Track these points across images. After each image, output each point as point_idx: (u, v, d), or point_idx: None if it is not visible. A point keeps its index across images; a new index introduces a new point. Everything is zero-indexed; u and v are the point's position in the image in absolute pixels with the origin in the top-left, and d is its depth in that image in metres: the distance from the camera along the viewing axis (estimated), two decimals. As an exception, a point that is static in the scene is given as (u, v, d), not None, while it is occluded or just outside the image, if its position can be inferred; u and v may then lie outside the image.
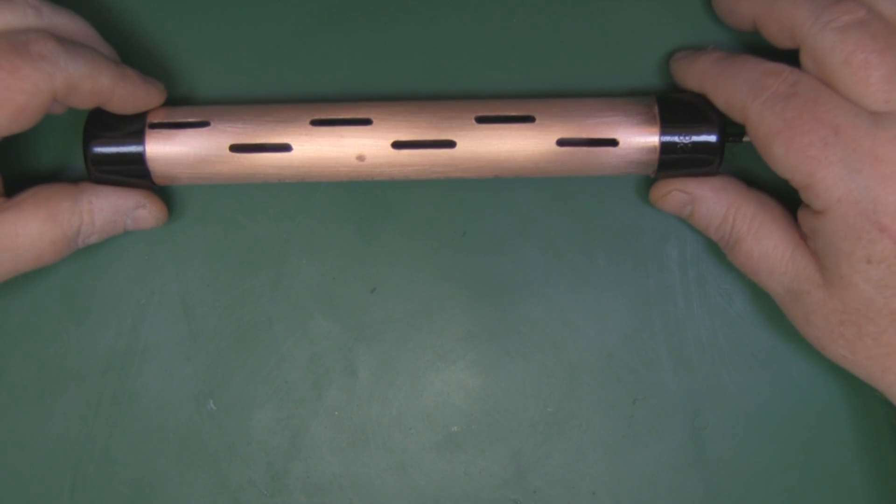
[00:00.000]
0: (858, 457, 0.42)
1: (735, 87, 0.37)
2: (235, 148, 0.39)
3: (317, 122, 0.39)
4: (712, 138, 0.38)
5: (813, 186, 0.35)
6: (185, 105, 0.40)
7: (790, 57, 0.37)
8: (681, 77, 0.40)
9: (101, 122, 0.39)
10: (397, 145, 0.39)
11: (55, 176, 0.42)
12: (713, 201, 0.39)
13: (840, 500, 0.42)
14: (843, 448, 0.42)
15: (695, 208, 0.40)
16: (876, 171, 0.35)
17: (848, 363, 0.38)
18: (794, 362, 0.42)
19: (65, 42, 0.36)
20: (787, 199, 0.39)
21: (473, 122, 0.39)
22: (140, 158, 0.39)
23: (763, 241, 0.38)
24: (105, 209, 0.39)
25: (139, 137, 0.39)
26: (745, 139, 0.39)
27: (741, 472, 0.42)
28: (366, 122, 0.39)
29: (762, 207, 0.39)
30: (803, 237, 0.38)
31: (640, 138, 0.39)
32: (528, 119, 0.39)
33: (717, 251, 0.41)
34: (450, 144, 0.39)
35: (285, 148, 0.39)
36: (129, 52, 0.41)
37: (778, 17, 0.37)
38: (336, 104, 0.39)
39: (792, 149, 0.35)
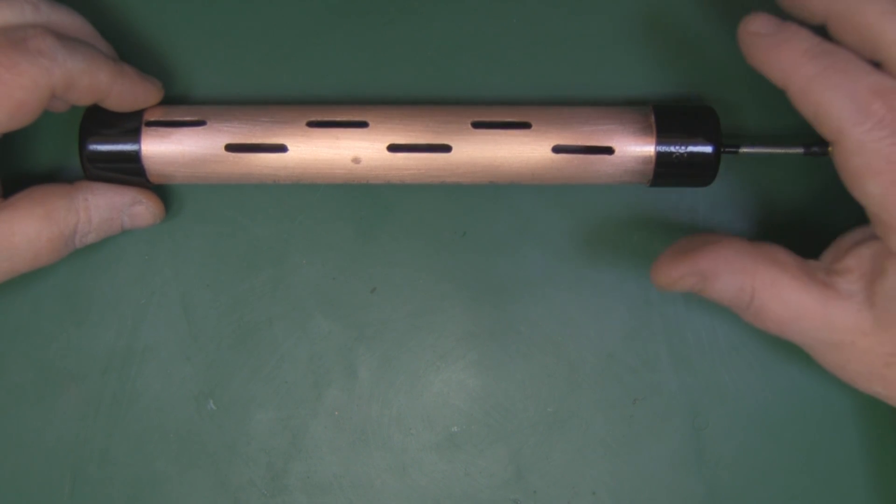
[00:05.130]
0: (859, 456, 0.42)
1: (833, 101, 0.32)
2: (231, 147, 0.39)
3: (313, 124, 0.39)
4: (708, 149, 0.38)
5: None
6: (182, 104, 0.40)
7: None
8: (758, 60, 0.34)
9: (98, 120, 0.39)
10: (393, 148, 0.38)
11: (52, 176, 0.42)
12: (727, 274, 0.36)
13: (840, 499, 0.42)
14: (844, 448, 0.42)
15: (706, 285, 0.36)
16: None
17: (880, 396, 0.36)
18: (795, 362, 0.42)
19: (63, 38, 0.36)
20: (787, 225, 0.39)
21: (470, 127, 0.38)
22: (135, 156, 0.39)
23: (790, 303, 0.35)
24: (101, 206, 0.39)
25: (135, 135, 0.39)
26: (742, 150, 0.38)
27: (741, 472, 0.42)
28: (362, 124, 0.39)
29: (778, 267, 0.35)
30: (826, 285, 0.35)
31: (635, 147, 0.38)
32: (524, 125, 0.38)
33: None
34: (446, 149, 0.38)
35: (281, 149, 0.39)
36: (127, 50, 0.41)
37: (858, 25, 0.33)
38: (333, 106, 0.39)
39: (891, 193, 0.32)
